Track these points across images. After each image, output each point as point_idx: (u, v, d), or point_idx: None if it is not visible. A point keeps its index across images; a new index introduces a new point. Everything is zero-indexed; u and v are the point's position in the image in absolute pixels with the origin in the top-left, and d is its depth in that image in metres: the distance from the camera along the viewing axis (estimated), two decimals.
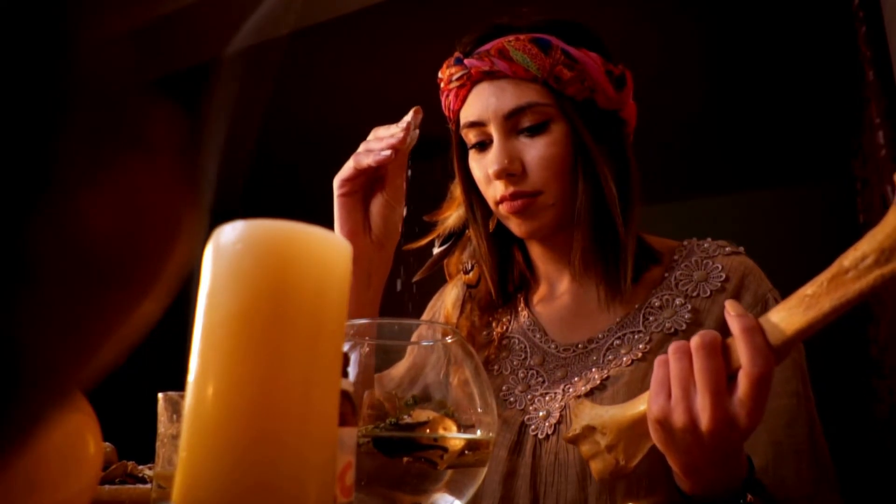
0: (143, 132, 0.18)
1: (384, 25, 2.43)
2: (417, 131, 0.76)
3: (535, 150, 0.81)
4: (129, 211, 0.17)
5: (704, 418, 0.54)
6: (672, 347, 0.57)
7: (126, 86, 0.18)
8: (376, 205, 0.80)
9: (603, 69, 0.83)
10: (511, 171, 0.81)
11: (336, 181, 0.79)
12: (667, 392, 0.57)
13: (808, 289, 0.52)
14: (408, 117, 0.75)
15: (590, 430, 0.63)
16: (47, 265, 0.15)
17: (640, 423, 0.61)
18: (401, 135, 0.74)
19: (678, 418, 0.56)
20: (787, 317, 0.53)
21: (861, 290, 0.49)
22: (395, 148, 0.74)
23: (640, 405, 0.61)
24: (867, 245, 0.48)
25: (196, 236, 0.20)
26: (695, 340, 0.56)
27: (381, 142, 0.75)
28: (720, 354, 0.55)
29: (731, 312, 0.56)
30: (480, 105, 0.83)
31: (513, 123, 0.82)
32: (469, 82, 0.84)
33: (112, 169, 0.17)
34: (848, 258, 0.49)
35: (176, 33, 2.19)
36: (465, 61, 0.84)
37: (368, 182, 0.80)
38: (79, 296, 0.16)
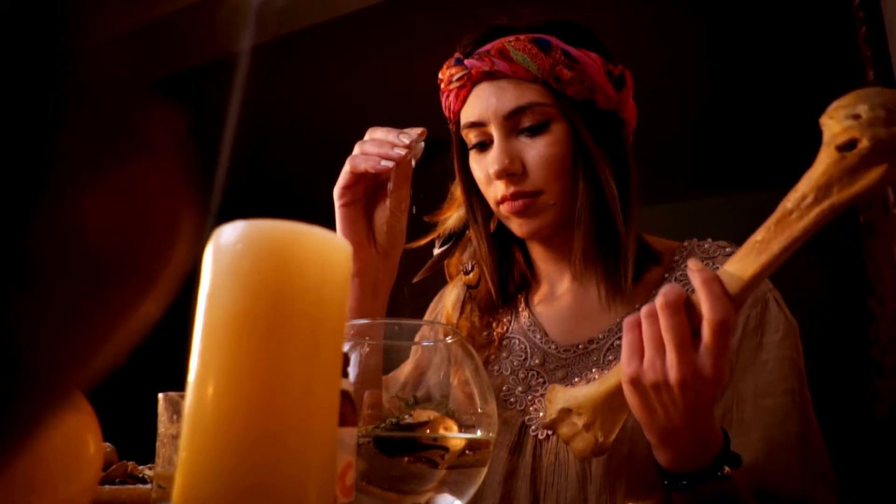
0: (143, 133, 0.18)
1: (384, 26, 2.43)
2: (422, 145, 0.75)
3: (535, 150, 0.81)
4: (130, 211, 0.17)
5: (673, 372, 0.56)
6: (644, 311, 0.59)
7: (126, 86, 0.18)
8: (381, 215, 0.79)
9: (603, 69, 0.83)
10: (512, 171, 0.81)
11: (336, 191, 0.77)
12: (640, 354, 0.59)
13: (758, 235, 0.55)
14: (413, 133, 0.74)
15: (566, 413, 0.65)
16: (48, 265, 0.15)
17: (612, 397, 0.62)
18: (402, 152, 0.72)
19: (651, 377, 0.57)
20: (742, 265, 0.55)
21: (805, 228, 0.52)
22: (395, 161, 0.73)
23: (611, 380, 0.63)
24: (805, 185, 0.52)
25: (196, 236, 0.20)
26: (659, 301, 0.58)
27: (378, 146, 0.74)
28: (683, 310, 0.57)
29: (692, 268, 0.58)
30: (481, 105, 0.83)
31: (513, 123, 0.82)
32: (469, 83, 0.84)
33: (112, 169, 0.17)
34: (790, 200, 0.53)
35: (176, 34, 2.19)
36: (466, 62, 0.83)
37: (370, 190, 0.79)
38: (79, 296, 0.16)
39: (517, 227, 0.85)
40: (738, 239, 0.88)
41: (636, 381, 0.59)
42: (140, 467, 0.77)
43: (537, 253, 0.93)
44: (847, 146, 0.48)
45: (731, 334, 0.55)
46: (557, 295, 0.92)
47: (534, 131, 0.82)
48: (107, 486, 0.69)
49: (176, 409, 0.63)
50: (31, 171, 0.15)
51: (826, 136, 0.50)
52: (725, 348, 0.55)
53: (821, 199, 0.51)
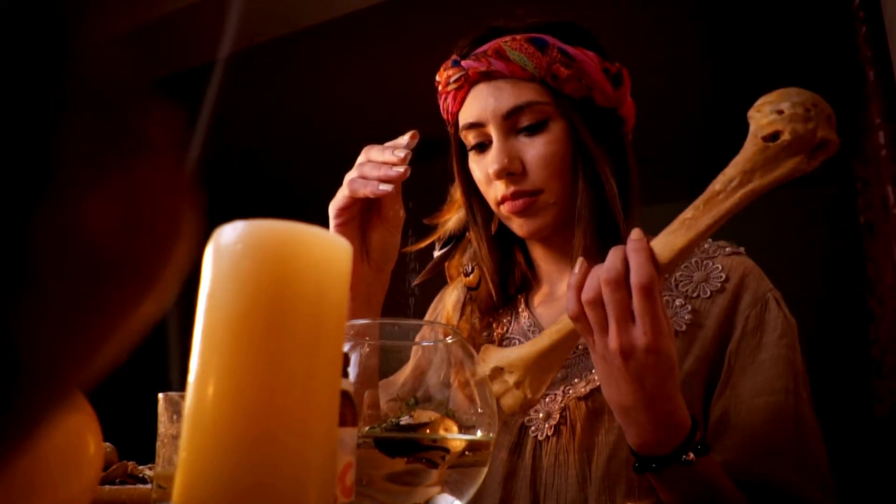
0: (142, 133, 0.18)
1: (384, 26, 2.43)
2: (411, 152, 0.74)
3: (534, 149, 0.81)
4: (130, 211, 0.17)
5: (613, 342, 0.60)
6: (586, 300, 0.62)
7: (126, 86, 0.18)
8: (375, 233, 0.79)
9: (600, 67, 0.83)
10: (511, 171, 0.81)
11: (331, 209, 0.77)
12: (590, 333, 0.62)
13: (688, 213, 0.60)
14: (403, 141, 0.73)
15: (498, 371, 0.70)
16: (48, 265, 0.15)
17: (542, 358, 0.68)
18: (401, 169, 0.72)
19: (600, 347, 0.61)
20: (672, 238, 0.61)
21: (730, 208, 0.58)
22: (394, 182, 0.73)
23: (542, 342, 0.68)
24: (732, 170, 0.57)
25: (196, 236, 0.20)
26: (602, 276, 0.61)
27: (376, 168, 0.73)
28: (623, 286, 0.60)
29: (631, 237, 0.62)
30: (479, 106, 0.83)
31: (512, 123, 0.82)
32: (467, 84, 0.84)
33: (112, 169, 0.17)
34: (718, 182, 0.58)
35: (176, 34, 2.19)
36: (463, 63, 0.83)
37: (364, 208, 0.79)
38: (79, 296, 0.16)
39: (518, 227, 0.85)
40: (739, 239, 0.88)
41: (594, 351, 0.63)
42: (140, 467, 0.77)
43: (538, 253, 0.93)
44: (771, 137, 0.54)
45: (655, 299, 0.59)
46: (558, 296, 0.92)
47: (532, 130, 0.82)
48: (107, 487, 0.69)
49: (176, 409, 0.63)
50: (31, 172, 0.15)
51: (752, 128, 0.56)
52: (652, 314, 0.59)
53: (745, 182, 0.56)
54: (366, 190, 0.74)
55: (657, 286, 0.59)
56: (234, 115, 2.93)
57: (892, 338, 1.85)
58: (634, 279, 0.59)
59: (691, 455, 0.62)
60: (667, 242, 0.61)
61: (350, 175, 0.76)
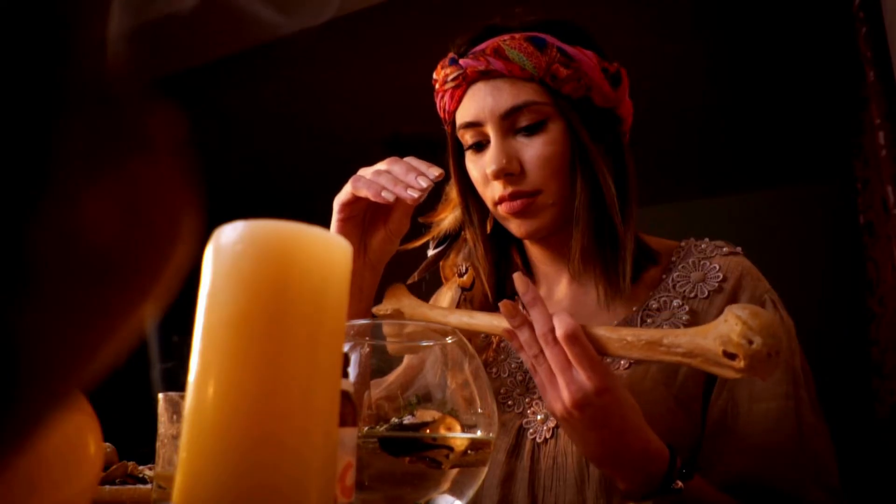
0: (142, 132, 0.18)
1: (384, 26, 2.43)
2: (433, 182, 0.77)
3: (532, 150, 0.81)
4: (130, 211, 0.17)
5: (565, 395, 0.63)
6: (533, 355, 0.65)
7: (126, 86, 0.18)
8: (376, 237, 0.83)
9: (598, 67, 0.82)
10: (509, 171, 0.81)
11: (336, 204, 0.80)
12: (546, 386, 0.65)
13: (629, 335, 0.64)
14: (432, 174, 0.75)
15: (398, 314, 0.73)
16: (48, 265, 0.15)
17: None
18: (415, 195, 0.74)
19: (559, 409, 0.64)
20: (605, 342, 0.65)
21: (660, 359, 0.63)
22: (404, 200, 0.75)
23: (452, 319, 0.71)
24: (685, 339, 0.61)
25: (196, 236, 0.20)
26: (538, 336, 0.65)
27: (392, 183, 0.75)
28: (558, 340, 0.64)
29: (519, 289, 0.68)
30: (476, 105, 0.82)
31: (510, 123, 0.82)
32: (464, 82, 0.83)
33: (112, 169, 0.17)
34: (668, 338, 0.62)
35: (176, 34, 2.18)
36: (461, 61, 0.83)
37: (370, 208, 0.82)
38: (79, 296, 0.16)
39: (516, 227, 0.85)
40: (738, 239, 0.88)
41: (557, 417, 0.65)
42: (140, 468, 0.77)
43: (535, 254, 0.93)
44: (730, 356, 0.59)
45: (585, 346, 0.63)
46: (556, 297, 0.91)
47: (531, 130, 0.81)
48: (107, 487, 0.69)
49: (176, 410, 0.63)
50: (32, 172, 0.15)
51: (723, 329, 0.59)
52: (588, 357, 0.62)
53: (686, 356, 0.61)
54: (367, 192, 0.76)
55: (581, 334, 0.63)
56: (234, 115, 2.93)
57: (892, 338, 1.85)
58: (559, 332, 0.63)
59: (679, 483, 0.64)
60: (600, 339, 0.65)
61: (361, 173, 0.77)
